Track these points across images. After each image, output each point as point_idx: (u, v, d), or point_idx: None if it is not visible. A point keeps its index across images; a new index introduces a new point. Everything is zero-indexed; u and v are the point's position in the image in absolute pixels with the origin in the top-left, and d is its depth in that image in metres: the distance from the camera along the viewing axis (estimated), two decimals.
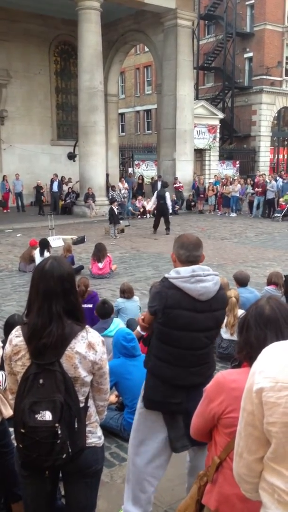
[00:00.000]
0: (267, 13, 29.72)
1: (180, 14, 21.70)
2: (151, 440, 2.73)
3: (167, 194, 16.31)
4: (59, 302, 2.08)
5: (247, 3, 30.76)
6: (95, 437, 2.23)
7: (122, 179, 23.94)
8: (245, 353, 1.77)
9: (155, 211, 16.89)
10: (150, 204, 16.43)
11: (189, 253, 2.67)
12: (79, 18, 19.61)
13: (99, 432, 2.28)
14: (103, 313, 5.22)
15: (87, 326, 2.17)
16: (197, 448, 2.81)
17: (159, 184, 22.74)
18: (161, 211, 16.00)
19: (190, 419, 2.60)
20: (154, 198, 16.36)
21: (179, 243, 2.72)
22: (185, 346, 2.60)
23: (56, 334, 2.03)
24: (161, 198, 15.98)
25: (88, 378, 2.13)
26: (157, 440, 2.72)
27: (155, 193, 16.68)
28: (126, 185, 22.52)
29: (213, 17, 31.28)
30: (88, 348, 2.09)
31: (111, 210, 15.14)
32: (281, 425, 1.37)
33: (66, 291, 2.11)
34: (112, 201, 16.30)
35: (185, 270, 2.58)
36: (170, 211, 16.13)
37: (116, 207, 15.55)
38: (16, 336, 2.14)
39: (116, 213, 15.31)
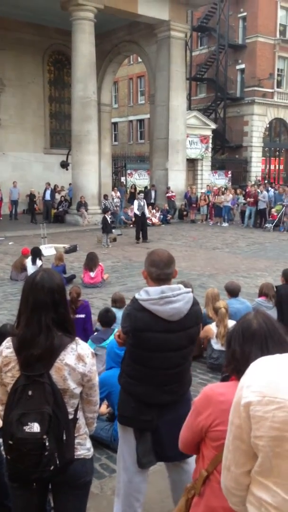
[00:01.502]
0: (259, 25, 30.11)
1: (173, 26, 21.95)
2: (129, 455, 2.72)
3: (135, 202, 16.66)
4: (48, 313, 2.09)
5: (239, 15, 31.15)
6: (84, 449, 2.23)
7: (115, 188, 24.02)
8: (233, 367, 1.79)
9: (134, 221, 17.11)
10: (134, 211, 16.82)
11: (160, 271, 2.58)
12: (73, 28, 19.76)
13: (88, 444, 2.28)
14: (105, 321, 5.21)
15: (77, 338, 2.19)
16: (172, 464, 2.81)
17: (153, 193, 22.93)
18: (140, 221, 16.28)
19: (159, 435, 2.62)
20: (136, 206, 16.60)
21: (150, 260, 2.63)
22: (156, 366, 2.58)
23: (44, 346, 2.05)
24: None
25: (77, 390, 2.14)
26: (133, 454, 2.71)
27: (136, 201, 16.92)
28: (118, 194, 22.59)
29: (205, 29, 31.64)
30: (77, 360, 2.11)
31: (104, 219, 15.18)
32: (268, 439, 1.39)
33: (56, 303, 2.12)
34: (105, 210, 16.36)
35: (155, 291, 2.52)
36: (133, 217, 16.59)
37: (109, 216, 15.60)
38: (7, 348, 2.15)
39: (109, 222, 15.38)
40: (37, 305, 2.09)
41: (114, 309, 6.23)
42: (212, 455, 1.87)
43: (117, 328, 5.57)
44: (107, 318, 5.21)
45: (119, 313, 6.23)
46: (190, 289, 2.66)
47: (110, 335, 4.95)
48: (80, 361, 2.12)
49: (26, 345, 2.07)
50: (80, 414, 2.23)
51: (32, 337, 2.06)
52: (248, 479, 1.50)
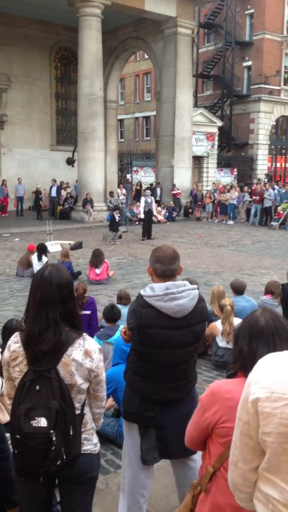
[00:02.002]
0: (266, 22, 29.97)
1: (180, 23, 21.86)
2: (134, 451, 2.73)
3: (142, 199, 16.69)
4: (56, 308, 2.10)
5: (246, 12, 31.00)
6: (91, 444, 2.24)
7: (121, 185, 24.00)
8: (240, 364, 1.79)
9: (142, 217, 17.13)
10: (141, 209, 16.83)
11: (165, 267, 2.58)
12: (80, 25, 19.73)
13: (95, 439, 2.29)
14: (110, 318, 5.22)
15: (84, 333, 2.20)
16: (177, 461, 2.81)
17: (158, 190, 22.90)
18: (146, 218, 16.34)
19: (163, 432, 2.62)
20: (143, 202, 16.60)
21: (155, 257, 2.63)
22: (161, 363, 2.58)
23: (52, 341, 2.06)
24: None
25: (84, 386, 2.15)
26: (137, 450, 2.72)
27: (143, 198, 16.92)
28: (124, 191, 22.57)
29: (212, 25, 31.51)
30: (84, 355, 2.12)
31: (113, 217, 15.11)
32: (276, 435, 1.39)
33: (64, 298, 2.13)
34: (114, 208, 16.26)
35: (159, 287, 2.52)
36: (142, 215, 16.71)
37: (118, 215, 15.49)
38: (15, 342, 2.17)
39: (117, 220, 15.34)
40: (45, 300, 2.10)
41: (119, 306, 6.26)
42: (219, 451, 1.88)
43: (122, 325, 5.60)
44: (112, 315, 5.22)
45: (124, 310, 6.25)
46: (195, 286, 2.65)
47: (116, 331, 4.96)
48: (87, 356, 2.13)
49: (34, 340, 2.08)
50: (87, 410, 2.24)
51: (40, 332, 2.07)
52: (256, 476, 1.50)
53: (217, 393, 1.87)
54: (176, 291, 2.51)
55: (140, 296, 2.57)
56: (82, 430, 2.19)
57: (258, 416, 1.43)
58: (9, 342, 2.20)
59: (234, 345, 1.86)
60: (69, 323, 2.15)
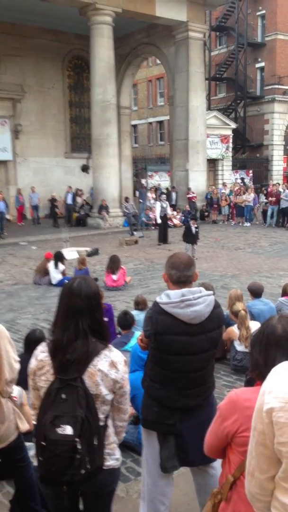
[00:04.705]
0: (278, 23, 29.80)
1: (191, 27, 21.89)
2: (153, 459, 2.73)
3: (157, 204, 16.62)
4: (85, 319, 2.14)
5: (258, 13, 30.90)
6: (113, 459, 2.25)
7: (151, 189, 23.88)
8: (258, 372, 1.78)
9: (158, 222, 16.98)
10: (157, 214, 16.76)
11: (180, 273, 2.60)
12: (91, 33, 19.90)
13: (118, 453, 2.30)
14: (125, 324, 5.22)
15: (110, 345, 2.23)
16: (197, 468, 2.80)
17: (174, 194, 22.87)
18: (162, 223, 16.32)
19: (182, 439, 2.62)
20: (158, 207, 16.58)
21: (170, 263, 2.66)
22: (178, 370, 2.58)
23: (80, 351, 2.09)
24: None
25: (109, 397, 2.17)
26: (157, 458, 2.71)
27: (158, 203, 16.87)
28: (154, 195, 22.47)
29: (224, 28, 31.47)
30: (110, 366, 2.14)
31: (188, 228, 13.57)
32: None
33: (92, 308, 2.17)
34: (193, 217, 14.98)
35: (175, 294, 2.54)
36: (159, 220, 16.51)
37: (195, 225, 13.48)
38: (41, 352, 2.21)
39: (194, 232, 13.28)
40: (74, 311, 2.14)
41: (136, 312, 6.26)
42: (239, 460, 1.86)
43: (139, 331, 5.59)
44: (126, 321, 5.22)
45: (141, 315, 6.24)
46: (211, 292, 2.65)
47: (131, 338, 4.95)
48: (113, 367, 2.15)
49: (61, 350, 2.11)
50: (110, 423, 2.25)
51: (67, 342, 2.11)
52: (273, 485, 1.49)
53: (236, 402, 1.85)
54: (192, 297, 2.51)
55: (156, 303, 2.59)
56: (105, 443, 2.20)
57: (273, 425, 1.41)
58: (36, 352, 2.24)
59: (251, 354, 1.85)
60: (96, 334, 2.18)
